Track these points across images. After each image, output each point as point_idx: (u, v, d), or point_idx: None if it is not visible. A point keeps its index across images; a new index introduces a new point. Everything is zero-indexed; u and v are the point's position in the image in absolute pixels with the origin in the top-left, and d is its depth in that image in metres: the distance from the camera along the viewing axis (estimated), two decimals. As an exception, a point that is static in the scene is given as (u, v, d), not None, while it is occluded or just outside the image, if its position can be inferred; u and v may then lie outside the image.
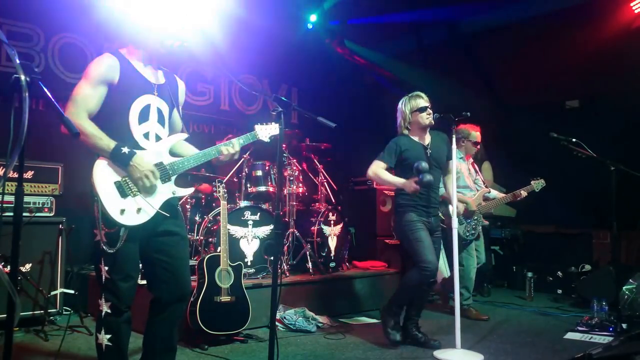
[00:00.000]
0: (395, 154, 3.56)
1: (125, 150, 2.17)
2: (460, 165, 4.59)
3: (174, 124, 2.52)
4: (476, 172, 4.77)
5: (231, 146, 2.43)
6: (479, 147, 4.72)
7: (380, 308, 3.77)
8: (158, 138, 2.34)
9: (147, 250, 2.29)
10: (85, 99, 2.17)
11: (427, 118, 3.55)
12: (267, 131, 2.59)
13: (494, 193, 4.69)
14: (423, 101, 3.59)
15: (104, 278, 2.21)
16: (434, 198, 3.58)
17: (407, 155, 3.54)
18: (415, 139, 3.63)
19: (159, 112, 2.36)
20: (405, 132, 3.64)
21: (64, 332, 3.24)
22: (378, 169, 3.56)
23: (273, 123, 2.58)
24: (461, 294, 4.54)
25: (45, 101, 1.60)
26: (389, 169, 3.60)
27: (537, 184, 4.61)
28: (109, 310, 2.21)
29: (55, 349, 3.16)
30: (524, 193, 4.59)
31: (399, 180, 3.50)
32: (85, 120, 2.15)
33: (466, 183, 4.61)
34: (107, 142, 2.14)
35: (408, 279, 3.55)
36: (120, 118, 2.23)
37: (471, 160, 4.75)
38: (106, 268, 2.19)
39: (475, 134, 4.67)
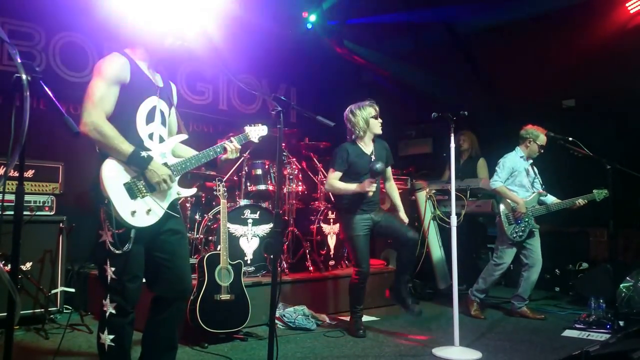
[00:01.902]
0: (344, 159, 3.79)
1: (144, 154, 2.19)
2: (520, 164, 4.54)
3: (172, 126, 2.55)
4: (535, 174, 4.64)
5: (231, 142, 2.52)
6: (542, 151, 4.56)
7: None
8: (161, 139, 2.37)
9: (150, 249, 2.30)
10: (103, 99, 2.16)
11: (379, 125, 3.83)
12: (255, 132, 2.70)
13: (552, 198, 4.54)
14: (373, 110, 3.83)
15: (109, 279, 2.20)
16: (372, 200, 3.78)
17: (352, 161, 3.77)
18: (362, 146, 3.86)
19: (162, 113, 2.39)
20: (353, 137, 3.87)
21: (64, 330, 3.25)
22: (333, 181, 3.81)
23: (261, 125, 2.72)
24: (477, 282, 4.57)
25: (46, 100, 1.61)
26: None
27: (600, 194, 4.36)
28: (114, 311, 2.20)
29: (55, 347, 3.17)
30: (581, 202, 4.39)
31: (351, 186, 3.72)
32: (105, 122, 2.14)
33: (523, 182, 4.54)
34: (127, 146, 2.15)
35: (350, 282, 3.89)
36: (129, 118, 2.25)
37: (531, 161, 4.62)
38: (112, 269, 2.19)
39: (544, 138, 4.51)
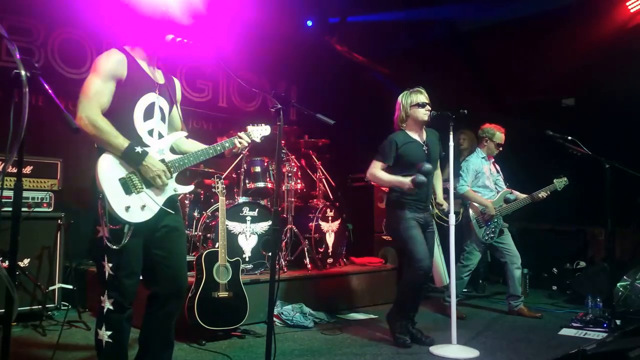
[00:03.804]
0: (392, 151, 3.54)
1: (139, 149, 2.18)
2: (481, 165, 4.56)
3: (173, 122, 2.55)
4: (498, 172, 4.67)
5: (238, 139, 2.53)
6: (501, 148, 4.59)
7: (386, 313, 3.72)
8: (160, 136, 2.37)
9: (149, 246, 2.30)
10: (98, 94, 2.16)
11: (424, 114, 3.55)
12: (258, 132, 2.67)
13: (516, 194, 4.55)
14: (422, 97, 3.58)
15: (107, 275, 2.20)
16: (428, 194, 3.59)
17: (404, 152, 3.53)
18: (412, 135, 3.61)
19: (161, 110, 2.39)
20: (403, 126, 3.64)
21: (61, 327, 3.24)
22: (375, 170, 3.58)
23: (264, 125, 2.69)
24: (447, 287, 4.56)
25: (45, 96, 1.60)
26: (387, 168, 3.58)
27: (560, 182, 4.41)
28: (111, 307, 2.20)
29: (53, 344, 3.17)
30: (543, 195, 4.39)
31: (395, 179, 3.49)
32: (99, 116, 2.15)
33: (485, 183, 4.55)
34: (122, 141, 2.15)
35: (405, 281, 3.58)
36: (126, 114, 2.24)
37: (492, 160, 4.65)
38: (110, 265, 2.19)
39: (500, 135, 4.55)
